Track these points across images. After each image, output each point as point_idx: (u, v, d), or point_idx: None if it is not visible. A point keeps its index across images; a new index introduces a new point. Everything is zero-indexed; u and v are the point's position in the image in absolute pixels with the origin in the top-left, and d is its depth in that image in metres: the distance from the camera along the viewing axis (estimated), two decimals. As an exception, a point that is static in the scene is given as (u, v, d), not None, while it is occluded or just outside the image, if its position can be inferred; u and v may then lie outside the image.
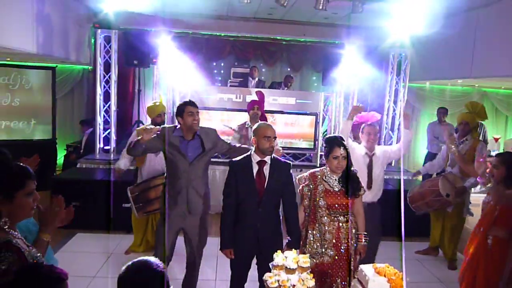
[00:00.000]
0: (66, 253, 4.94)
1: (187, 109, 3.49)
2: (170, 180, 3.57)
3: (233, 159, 3.27)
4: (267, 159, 3.17)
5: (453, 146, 4.15)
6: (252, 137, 3.21)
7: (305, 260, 2.36)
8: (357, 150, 4.16)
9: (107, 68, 7.16)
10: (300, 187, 3.33)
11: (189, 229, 3.65)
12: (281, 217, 3.34)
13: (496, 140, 8.91)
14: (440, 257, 5.25)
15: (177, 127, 3.58)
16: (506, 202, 3.08)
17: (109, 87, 7.17)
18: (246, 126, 5.24)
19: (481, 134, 7.08)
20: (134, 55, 7.23)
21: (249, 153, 3.25)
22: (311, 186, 3.26)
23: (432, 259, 5.22)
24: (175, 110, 7.07)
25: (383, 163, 4.28)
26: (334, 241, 3.19)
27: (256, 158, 3.17)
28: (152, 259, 1.67)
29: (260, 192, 3.14)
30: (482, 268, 3.18)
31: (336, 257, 3.19)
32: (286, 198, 3.25)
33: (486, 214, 3.21)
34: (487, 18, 6.33)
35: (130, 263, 1.65)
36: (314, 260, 3.15)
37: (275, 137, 3.18)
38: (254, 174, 3.15)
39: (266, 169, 3.16)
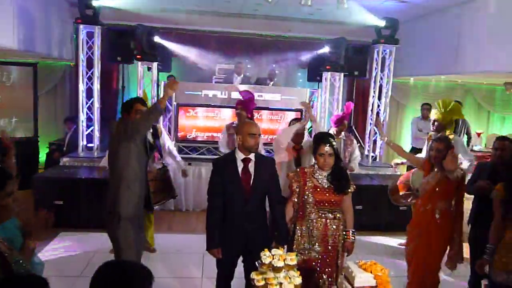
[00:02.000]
0: (50, 253, 4.86)
1: (136, 106, 3.45)
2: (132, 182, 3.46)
3: (217, 158, 3.24)
4: (252, 156, 3.15)
5: (386, 137, 4.19)
6: (237, 135, 3.18)
7: (291, 258, 2.35)
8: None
9: (90, 64, 7.03)
10: (290, 183, 3.33)
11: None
12: (267, 213, 3.33)
13: (479, 135, 9.04)
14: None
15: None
16: (445, 180, 3.50)
17: (92, 84, 7.05)
18: (234, 125, 5.19)
19: (464, 130, 7.16)
20: (118, 51, 7.13)
21: (232, 151, 3.23)
22: (300, 182, 3.25)
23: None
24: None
25: (310, 155, 4.18)
26: (321, 237, 3.19)
27: (240, 155, 3.14)
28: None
29: (246, 189, 3.12)
30: (435, 240, 3.56)
31: (324, 254, 3.20)
32: (271, 194, 3.23)
33: (430, 193, 3.56)
34: (471, 14, 6.40)
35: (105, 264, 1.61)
36: (302, 256, 3.15)
37: (260, 134, 3.17)
38: (240, 172, 3.12)
39: (251, 166, 3.13)
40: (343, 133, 5.25)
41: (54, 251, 4.94)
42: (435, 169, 3.61)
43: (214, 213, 3.16)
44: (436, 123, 4.94)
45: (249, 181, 3.12)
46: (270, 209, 3.29)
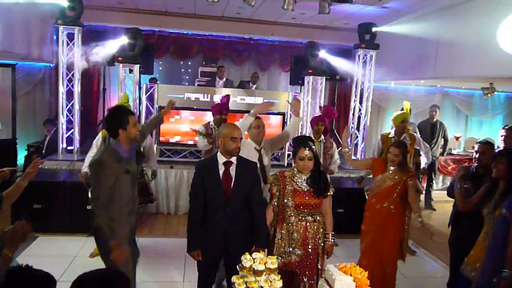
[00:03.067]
0: (28, 258, 4.65)
1: (132, 119, 3.13)
2: (118, 202, 3.16)
3: (199, 160, 3.24)
4: (233, 159, 3.16)
5: (346, 149, 4.30)
6: (218, 138, 3.19)
7: (272, 261, 2.36)
8: (248, 145, 4.03)
9: (70, 66, 6.95)
10: (269, 187, 3.34)
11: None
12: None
13: (457, 139, 9.21)
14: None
15: (117, 147, 3.15)
16: (403, 182, 3.86)
17: (72, 86, 6.97)
18: (211, 126, 5.14)
19: (442, 133, 7.29)
20: (99, 52, 7.07)
21: (214, 153, 3.23)
22: (280, 186, 3.27)
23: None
24: (141, 109, 7.07)
25: (268, 153, 4.24)
26: (301, 240, 3.21)
27: (222, 159, 3.14)
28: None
29: (227, 193, 3.12)
30: (391, 232, 3.91)
31: (304, 257, 3.22)
32: (253, 197, 3.23)
33: (388, 193, 3.90)
34: (450, 20, 6.53)
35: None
36: (282, 260, 3.17)
37: (241, 138, 3.18)
38: (221, 175, 3.13)
39: (233, 170, 3.14)
40: (322, 136, 5.29)
41: (33, 256, 4.85)
42: (391, 169, 3.92)
43: (195, 215, 3.16)
44: (406, 124, 5.43)
45: (230, 184, 3.12)
46: (252, 213, 3.29)
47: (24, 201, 5.45)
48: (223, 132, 3.14)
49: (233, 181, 3.13)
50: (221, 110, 5.09)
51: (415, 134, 5.64)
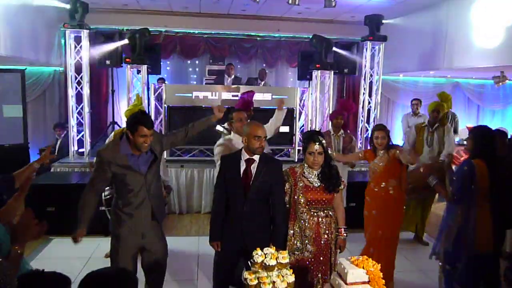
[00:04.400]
0: (43, 261, 4.81)
1: (140, 130, 3.03)
2: (123, 198, 3.20)
3: (226, 154, 3.26)
4: (256, 157, 3.15)
5: (334, 153, 4.31)
6: (243, 136, 3.18)
7: (284, 256, 2.35)
8: (234, 140, 4.01)
9: (78, 69, 7.00)
10: None
11: (152, 239, 3.34)
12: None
13: (469, 129, 9.10)
14: (413, 246, 5.44)
15: (123, 143, 3.14)
16: (394, 161, 4.00)
17: (81, 89, 7.02)
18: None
19: (453, 124, 7.23)
20: (106, 55, 7.11)
21: (240, 148, 3.23)
22: (291, 182, 3.25)
23: (409, 248, 5.30)
24: (150, 109, 7.09)
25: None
26: (314, 236, 3.19)
27: (245, 155, 3.15)
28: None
29: (246, 189, 3.12)
30: (392, 213, 4.05)
31: (317, 253, 3.19)
32: (274, 198, 3.21)
33: (382, 173, 4.06)
34: (458, 10, 6.45)
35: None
36: (295, 256, 3.15)
37: (265, 137, 3.16)
38: (241, 172, 3.14)
39: (254, 167, 3.14)
40: (341, 130, 5.29)
41: (48, 258, 4.90)
42: (381, 153, 4.07)
43: (217, 206, 3.23)
44: (434, 112, 5.31)
45: (249, 181, 3.12)
46: (271, 213, 3.27)
47: (38, 204, 5.52)
48: (247, 130, 3.13)
49: (252, 178, 3.12)
50: (246, 105, 4.97)
51: (449, 125, 5.63)
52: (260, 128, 3.13)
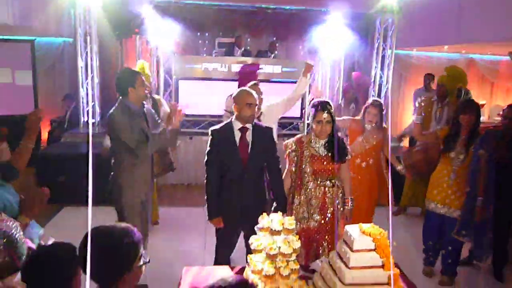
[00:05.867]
0: (54, 228, 4.89)
1: (139, 79, 3.24)
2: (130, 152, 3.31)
3: (213, 127, 3.19)
4: (249, 125, 3.12)
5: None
6: (233, 104, 3.14)
7: (290, 222, 2.35)
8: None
9: (88, 40, 6.96)
10: (287, 153, 3.30)
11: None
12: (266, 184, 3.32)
13: (482, 106, 8.94)
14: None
15: (126, 101, 3.28)
16: (382, 138, 4.09)
17: (90, 59, 6.99)
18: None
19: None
20: (116, 25, 7.04)
21: (229, 120, 3.18)
22: (297, 151, 3.23)
23: (415, 223, 5.29)
24: (160, 82, 7.05)
25: (271, 119, 4.11)
26: (320, 206, 3.18)
27: (238, 124, 3.11)
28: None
29: (244, 159, 3.09)
30: (374, 188, 4.14)
31: (323, 222, 3.20)
32: (270, 164, 3.21)
33: (371, 150, 4.09)
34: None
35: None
36: (301, 226, 3.16)
37: (256, 104, 3.12)
38: (237, 141, 3.10)
39: (249, 135, 3.11)
40: (352, 104, 5.24)
41: (58, 226, 4.98)
42: (369, 127, 4.04)
43: (212, 182, 3.16)
44: (439, 86, 5.03)
45: (247, 150, 3.09)
46: (268, 180, 3.27)
47: (49, 174, 5.59)
48: (238, 98, 3.09)
49: (249, 147, 3.09)
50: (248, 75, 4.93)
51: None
52: (251, 95, 3.08)
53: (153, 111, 3.63)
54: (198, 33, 9.28)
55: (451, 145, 3.73)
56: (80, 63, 6.93)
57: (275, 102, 4.23)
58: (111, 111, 3.29)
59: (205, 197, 3.19)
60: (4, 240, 1.76)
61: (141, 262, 1.56)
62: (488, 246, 3.72)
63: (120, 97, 3.30)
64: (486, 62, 9.83)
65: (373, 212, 4.16)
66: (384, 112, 4.23)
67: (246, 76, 4.97)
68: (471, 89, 7.91)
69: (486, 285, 3.98)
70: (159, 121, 3.60)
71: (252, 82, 4.14)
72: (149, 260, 1.61)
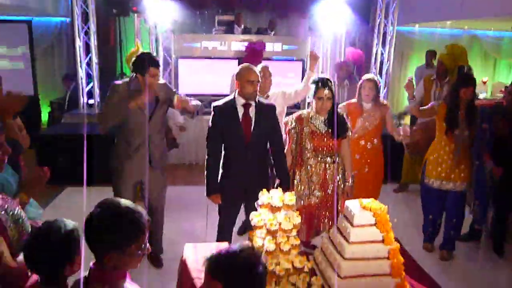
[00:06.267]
0: (56, 208, 4.92)
1: (150, 71, 3.19)
2: (125, 136, 3.40)
3: (215, 103, 3.16)
4: (252, 102, 3.09)
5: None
6: (235, 81, 3.10)
7: (290, 198, 2.35)
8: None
9: (85, 19, 6.87)
10: (287, 130, 3.28)
11: (150, 182, 3.54)
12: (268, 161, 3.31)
13: (484, 83, 8.87)
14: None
15: (133, 80, 3.31)
16: (382, 116, 4.01)
17: (88, 39, 6.92)
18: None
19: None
20: (113, 3, 6.94)
21: (231, 96, 3.15)
22: (297, 128, 3.21)
23: (415, 199, 5.30)
24: (159, 61, 6.98)
25: (280, 105, 3.97)
26: (321, 182, 3.19)
27: (240, 101, 3.06)
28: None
29: (247, 136, 3.07)
30: (380, 166, 4.09)
31: (323, 198, 3.21)
32: (273, 141, 3.19)
33: (375, 130, 4.01)
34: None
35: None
36: (301, 202, 3.17)
37: (258, 81, 3.08)
38: (240, 118, 3.07)
39: (252, 112, 3.07)
40: (346, 80, 5.18)
41: (60, 206, 5.00)
42: (368, 105, 3.95)
43: (212, 159, 3.15)
44: (438, 64, 4.96)
45: (250, 127, 3.07)
46: (272, 157, 3.26)
47: (49, 155, 5.60)
48: (240, 75, 3.05)
49: (253, 124, 3.07)
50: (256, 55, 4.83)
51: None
52: (253, 72, 3.03)
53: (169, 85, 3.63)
54: (197, 11, 9.14)
55: (454, 123, 3.71)
56: (78, 43, 6.86)
57: (285, 90, 4.15)
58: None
59: (205, 173, 3.18)
60: (11, 218, 1.77)
61: (139, 252, 1.52)
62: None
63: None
64: (489, 38, 9.70)
65: (379, 193, 4.10)
66: (383, 90, 4.18)
67: (252, 56, 4.86)
68: (473, 66, 7.87)
69: (485, 259, 4.01)
70: (174, 90, 3.60)
71: (261, 65, 4.06)
72: (148, 252, 1.57)
